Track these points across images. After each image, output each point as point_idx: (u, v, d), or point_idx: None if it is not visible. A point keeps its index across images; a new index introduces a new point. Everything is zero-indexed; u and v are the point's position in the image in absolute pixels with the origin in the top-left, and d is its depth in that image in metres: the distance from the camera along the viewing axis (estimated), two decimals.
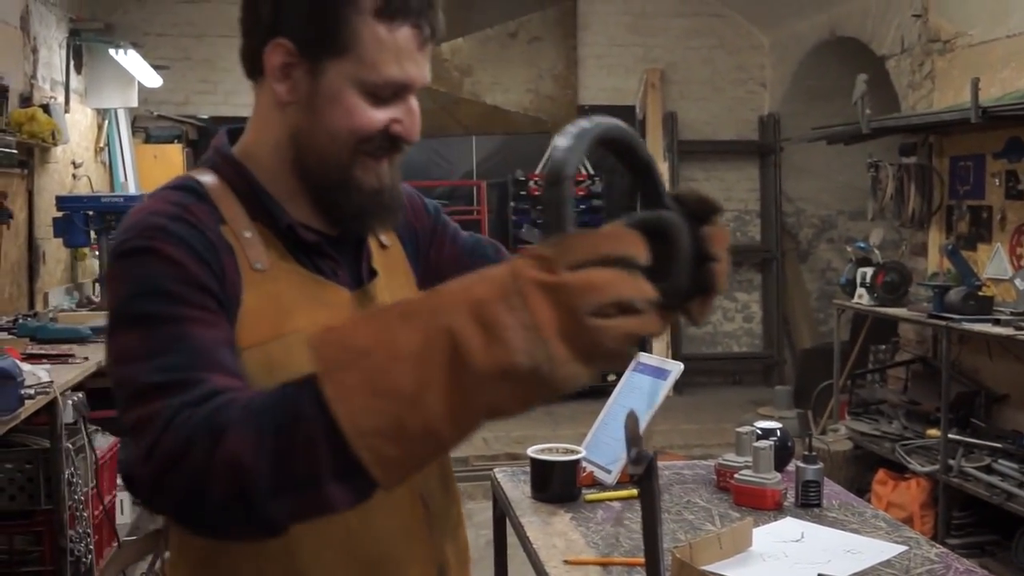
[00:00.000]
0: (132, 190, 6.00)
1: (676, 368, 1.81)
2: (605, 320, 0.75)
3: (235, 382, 0.92)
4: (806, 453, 1.77)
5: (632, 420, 1.21)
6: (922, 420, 4.81)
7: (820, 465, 1.75)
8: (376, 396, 0.77)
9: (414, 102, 1.08)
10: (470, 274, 0.81)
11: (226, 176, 1.09)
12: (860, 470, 4.96)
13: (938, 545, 1.55)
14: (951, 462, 4.24)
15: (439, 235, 1.31)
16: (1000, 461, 4.08)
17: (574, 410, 7.09)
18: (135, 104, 6.12)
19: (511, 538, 1.98)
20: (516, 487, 1.90)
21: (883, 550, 1.52)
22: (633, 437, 1.16)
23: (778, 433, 1.95)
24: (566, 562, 1.50)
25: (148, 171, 6.23)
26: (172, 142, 6.66)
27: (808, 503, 1.75)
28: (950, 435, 4.28)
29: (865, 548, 1.54)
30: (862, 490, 4.84)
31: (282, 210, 1.09)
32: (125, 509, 4.11)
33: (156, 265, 0.97)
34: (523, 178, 7.39)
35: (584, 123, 0.83)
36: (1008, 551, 4.03)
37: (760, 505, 1.74)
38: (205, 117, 6.99)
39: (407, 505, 1.08)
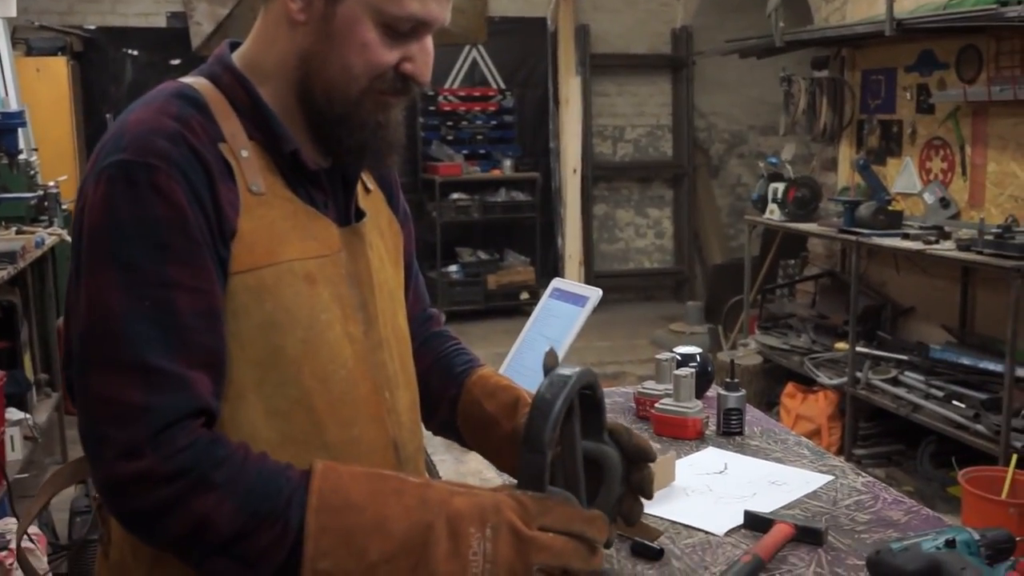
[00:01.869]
0: (13, 106, 5.58)
1: (594, 294, 1.71)
2: None
3: (210, 386, 0.94)
4: (727, 380, 1.70)
5: (551, 357, 1.11)
6: (830, 333, 4.88)
7: (742, 392, 1.69)
8: (345, 549, 0.89)
9: (429, 43, 1.05)
10: (460, 484, 0.96)
11: (226, 89, 1.04)
12: (770, 384, 5.03)
13: (863, 473, 1.51)
14: (858, 375, 4.32)
15: (401, 213, 1.28)
16: (906, 373, 4.16)
17: (486, 329, 7.05)
18: (13, 13, 5.65)
19: None
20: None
21: (808, 480, 1.47)
22: (551, 368, 1.08)
23: (698, 359, 1.89)
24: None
25: (30, 86, 5.80)
26: (56, 54, 6.20)
27: (730, 431, 1.69)
28: (857, 348, 4.35)
29: (790, 479, 1.48)
30: (771, 403, 4.92)
31: (288, 133, 1.04)
32: (16, 445, 3.89)
33: (153, 205, 0.93)
34: (432, 93, 7.16)
35: (563, 377, 0.99)
36: (913, 460, 4.15)
37: (681, 435, 1.67)
38: (92, 27, 6.55)
39: (379, 450, 1.05)
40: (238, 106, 1.04)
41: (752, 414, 1.79)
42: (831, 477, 1.49)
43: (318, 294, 1.03)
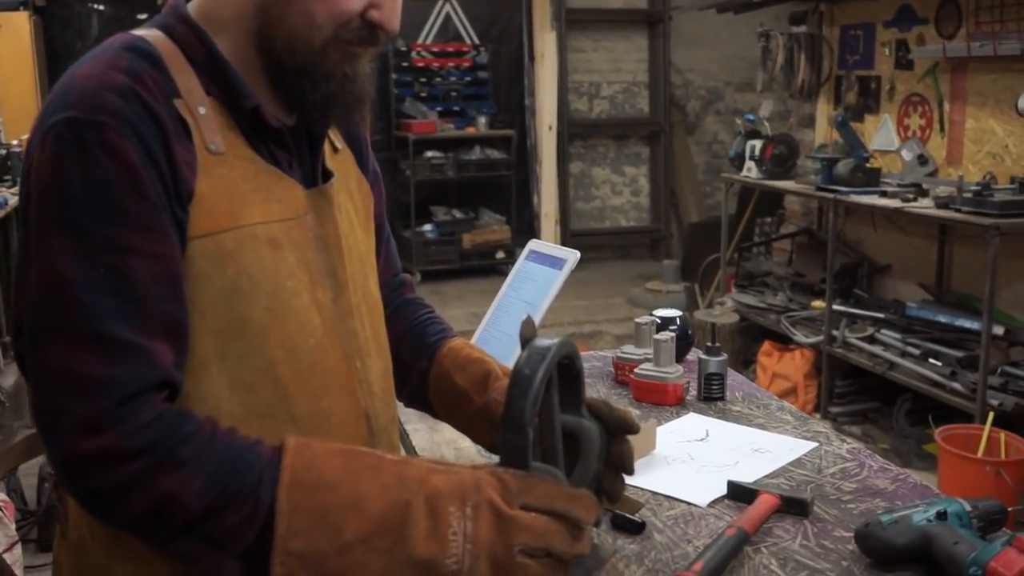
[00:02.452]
0: None
1: (572, 257, 1.66)
2: (530, 560, 0.85)
3: (172, 357, 0.88)
4: (709, 344, 1.66)
5: (528, 327, 1.07)
6: (806, 292, 4.87)
7: (724, 357, 1.65)
8: (318, 528, 0.84)
9: None
10: (438, 461, 0.92)
11: (181, 42, 0.97)
12: (746, 342, 5.02)
13: (848, 439, 1.47)
14: (835, 333, 4.31)
15: (370, 173, 1.23)
16: (883, 331, 4.15)
17: (462, 289, 7.00)
18: None
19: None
20: None
21: (792, 447, 1.44)
22: (529, 339, 1.03)
23: (678, 322, 1.84)
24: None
25: None
26: (17, 9, 6.00)
27: (711, 397, 1.65)
28: (834, 306, 4.34)
29: (773, 445, 1.45)
30: (748, 362, 4.91)
31: (248, 88, 0.96)
32: None
33: (105, 165, 0.87)
34: (405, 48, 7.02)
35: (541, 351, 0.94)
36: (888, 418, 4.16)
37: (662, 401, 1.63)
38: None
39: (351, 422, 1.00)
40: (194, 59, 0.97)
41: (733, 378, 1.75)
42: (815, 444, 1.45)
43: (283, 259, 0.97)
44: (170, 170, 0.90)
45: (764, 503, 1.21)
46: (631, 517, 1.19)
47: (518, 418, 0.96)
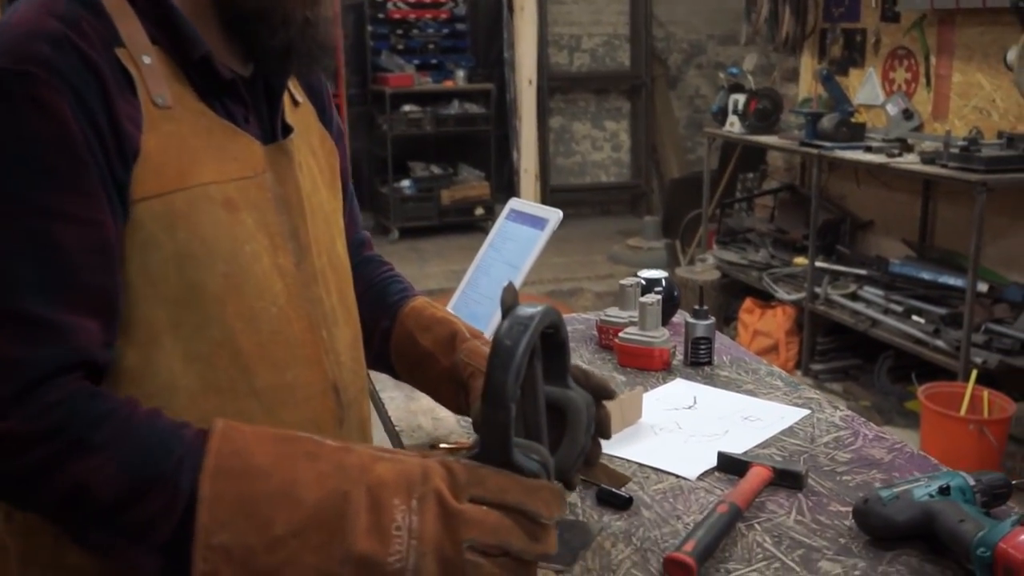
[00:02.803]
0: None
1: (554, 217, 1.59)
2: (482, 558, 0.76)
3: (97, 334, 0.81)
4: (696, 307, 1.60)
5: (510, 294, 1.00)
6: (789, 248, 4.82)
7: (711, 320, 1.59)
8: (245, 520, 0.75)
9: None
10: (385, 449, 0.82)
11: None
12: (727, 299, 4.98)
13: (840, 406, 1.42)
14: (817, 290, 4.27)
15: (334, 129, 1.15)
16: (865, 288, 4.12)
17: (440, 246, 6.90)
18: None
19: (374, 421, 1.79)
20: None
21: (783, 415, 1.38)
22: (510, 307, 0.97)
23: (663, 283, 1.78)
24: (433, 447, 1.30)
25: None
26: None
27: (699, 361, 1.59)
28: (816, 263, 4.29)
29: (763, 413, 1.39)
30: (729, 319, 4.87)
31: (198, 34, 0.87)
32: None
33: (32, 121, 0.79)
34: None
35: (524, 320, 0.88)
36: (870, 375, 4.14)
37: (647, 366, 1.57)
38: None
39: (318, 395, 0.93)
40: (137, 4, 0.88)
41: (721, 342, 1.69)
42: (807, 411, 1.39)
43: (241, 222, 0.90)
44: (110, 126, 0.82)
45: (756, 476, 1.16)
46: (617, 492, 1.14)
47: (499, 393, 0.91)
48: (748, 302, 4.70)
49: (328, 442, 0.81)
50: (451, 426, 1.37)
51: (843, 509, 1.11)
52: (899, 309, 3.88)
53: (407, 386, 1.51)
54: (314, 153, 1.04)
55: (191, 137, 0.88)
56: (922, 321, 3.74)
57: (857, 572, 0.99)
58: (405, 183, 6.97)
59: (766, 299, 4.64)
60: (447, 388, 1.15)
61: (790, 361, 4.43)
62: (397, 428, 1.37)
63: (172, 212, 0.85)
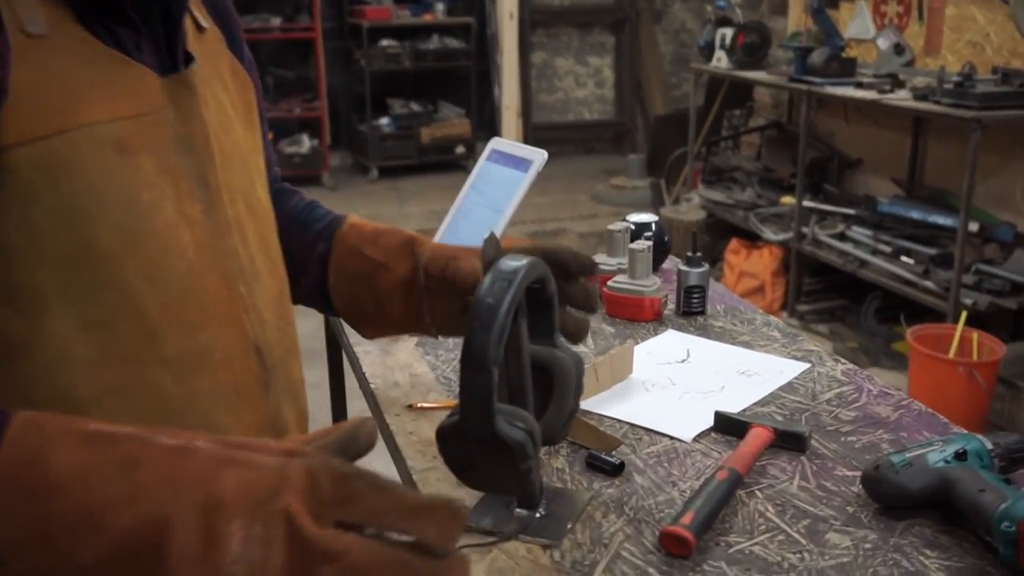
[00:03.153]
0: None
1: (539, 158, 1.48)
2: None
3: None
4: (690, 254, 1.51)
5: (492, 245, 0.91)
6: (776, 187, 4.74)
7: (705, 268, 1.50)
8: (41, 548, 0.57)
9: None
10: (235, 450, 0.61)
11: None
12: (713, 239, 4.91)
13: (842, 360, 1.34)
14: (804, 230, 4.19)
15: (246, 60, 1.01)
16: (853, 228, 4.04)
17: (421, 185, 6.77)
18: None
19: (349, 379, 1.70)
20: None
21: (782, 369, 1.30)
22: (492, 260, 0.89)
23: (653, 227, 1.69)
24: (410, 407, 1.21)
25: None
26: None
27: (691, 311, 1.51)
28: (804, 202, 4.21)
29: (761, 367, 1.31)
30: (715, 260, 4.80)
31: None
32: None
33: None
34: None
35: (508, 275, 0.83)
36: (856, 316, 4.08)
37: (637, 316, 1.49)
38: None
39: (237, 358, 0.82)
40: None
41: (714, 290, 1.61)
42: (807, 365, 1.32)
43: (137, 167, 0.78)
44: None
45: (756, 438, 1.08)
46: (607, 457, 1.06)
47: (481, 355, 0.82)
48: (734, 242, 4.63)
49: (165, 441, 0.62)
50: (429, 382, 1.29)
51: (849, 474, 1.04)
52: (887, 249, 3.82)
53: (383, 340, 1.42)
54: (225, 86, 0.92)
55: (72, 70, 0.75)
56: (911, 262, 3.68)
57: (868, 545, 0.91)
58: (384, 121, 6.81)
59: (752, 239, 4.56)
60: (402, 302, 1.07)
61: (776, 302, 4.37)
62: (372, 386, 1.28)
63: (53, 159, 0.73)
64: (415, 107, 6.96)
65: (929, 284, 3.53)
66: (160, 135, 0.80)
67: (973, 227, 3.51)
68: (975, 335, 3.22)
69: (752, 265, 4.50)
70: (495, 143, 1.61)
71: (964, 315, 3.25)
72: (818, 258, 4.12)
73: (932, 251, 3.64)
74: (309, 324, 1.60)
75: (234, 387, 0.83)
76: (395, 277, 1.07)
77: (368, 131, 6.70)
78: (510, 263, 0.87)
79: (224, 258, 0.84)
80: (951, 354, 3.18)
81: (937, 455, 0.96)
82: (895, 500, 0.96)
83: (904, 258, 3.72)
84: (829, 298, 4.31)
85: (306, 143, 6.65)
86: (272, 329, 0.88)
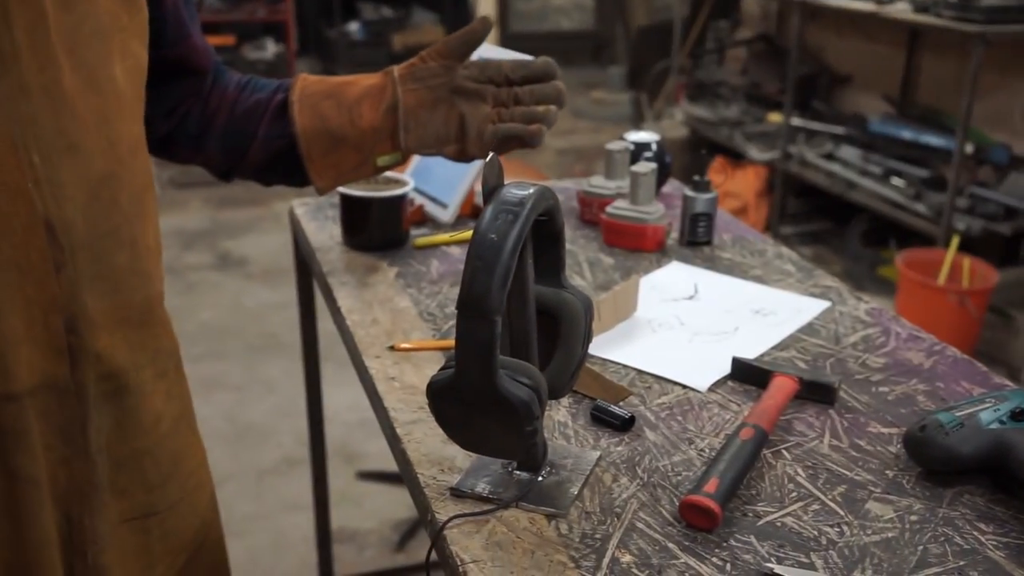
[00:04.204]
0: None
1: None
2: None
3: None
4: (696, 178, 1.37)
5: (493, 169, 0.78)
6: (762, 104, 4.58)
7: (714, 194, 1.37)
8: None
9: None
10: None
11: None
12: (696, 158, 4.76)
13: (864, 298, 1.23)
14: (792, 149, 4.06)
15: None
16: (842, 148, 3.91)
17: None
18: None
19: (321, 310, 1.57)
20: (322, 228, 1.44)
21: (800, 308, 1.19)
22: (494, 188, 0.78)
23: (654, 147, 1.55)
24: (392, 349, 1.08)
25: None
26: None
27: (697, 241, 1.38)
28: (792, 120, 4.07)
29: (777, 305, 1.19)
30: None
31: None
32: None
33: None
34: None
35: (513, 206, 0.73)
36: (841, 239, 3.99)
37: (638, 246, 1.36)
38: None
39: (21, 230, 0.73)
40: None
41: (721, 217, 1.48)
42: (827, 303, 1.20)
43: None
44: None
45: (780, 389, 0.97)
46: (616, 410, 0.94)
47: (482, 301, 0.70)
48: (718, 161, 4.49)
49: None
50: (412, 319, 1.16)
51: (885, 431, 0.93)
52: (877, 171, 3.70)
53: (360, 269, 1.29)
54: None
55: None
56: (902, 184, 3.56)
57: (914, 517, 0.81)
58: (353, 26, 6.51)
59: (736, 158, 4.43)
60: (371, 106, 1.09)
61: (759, 224, 4.26)
62: (348, 323, 1.15)
63: None
64: (386, 12, 6.67)
65: (920, 207, 3.42)
66: None
67: (968, 148, 3.40)
68: (966, 261, 3.14)
69: (736, 185, 4.37)
70: (483, 49, 1.45)
71: (956, 240, 3.15)
72: (804, 179, 4.00)
73: (924, 173, 3.52)
74: (276, 241, 1.48)
75: (13, 260, 0.74)
76: (364, 83, 1.11)
77: (337, 37, 6.42)
78: (515, 192, 0.74)
79: (15, 125, 0.74)
80: (941, 280, 3.10)
81: (990, 414, 0.85)
82: (943, 464, 0.85)
83: (895, 180, 3.60)
84: (814, 220, 4.20)
85: (271, 48, 6.36)
86: (78, 208, 0.78)
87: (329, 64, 6.62)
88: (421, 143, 1.11)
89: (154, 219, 0.89)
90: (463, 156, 1.11)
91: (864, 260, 3.83)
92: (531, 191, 0.74)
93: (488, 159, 0.77)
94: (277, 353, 3.18)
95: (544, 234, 0.82)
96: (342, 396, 2.70)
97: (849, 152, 3.87)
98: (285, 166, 1.12)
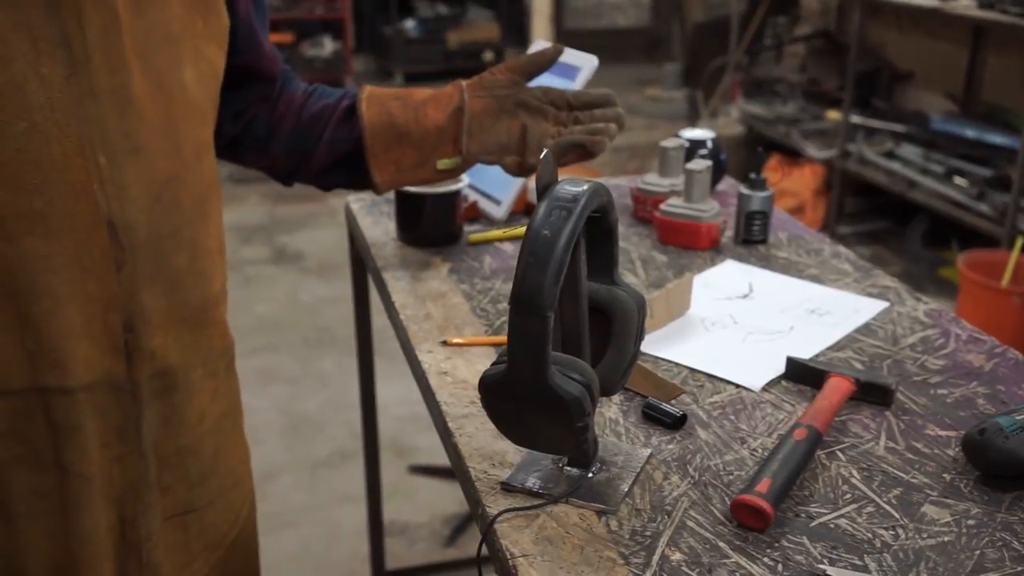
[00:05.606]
0: None
1: (588, 64, 1.33)
2: None
3: None
4: (752, 176, 1.36)
5: (547, 167, 0.78)
6: (820, 101, 4.52)
7: (770, 191, 1.36)
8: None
9: None
10: None
11: None
12: (752, 156, 4.71)
13: (924, 299, 1.21)
14: (850, 147, 4.00)
15: None
16: (903, 146, 3.84)
17: None
18: None
19: (374, 305, 1.59)
20: (377, 224, 1.46)
21: (857, 308, 1.17)
22: (548, 185, 0.78)
23: (709, 144, 1.54)
24: (444, 344, 1.09)
25: None
26: None
27: (752, 239, 1.37)
28: (851, 118, 4.00)
29: (833, 305, 1.18)
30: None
31: None
32: None
33: None
34: None
35: (567, 203, 0.73)
36: (901, 239, 3.92)
37: (692, 244, 1.35)
38: None
39: (84, 228, 0.77)
40: None
41: (777, 216, 1.46)
42: (885, 304, 1.18)
43: None
44: None
45: (836, 389, 0.96)
46: (667, 408, 0.94)
47: (535, 298, 0.70)
48: (774, 159, 4.43)
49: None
50: (464, 314, 1.17)
51: (943, 434, 0.92)
52: (939, 170, 3.63)
53: (413, 264, 1.30)
54: None
55: None
56: (964, 183, 3.49)
57: (971, 521, 0.80)
58: (409, 24, 6.56)
59: (794, 156, 4.37)
60: (437, 107, 1.12)
61: (816, 223, 4.21)
62: (401, 318, 1.16)
63: None
64: (442, 9, 6.70)
65: (983, 207, 3.35)
66: None
67: None
68: None
69: (792, 183, 4.32)
70: (538, 47, 1.45)
71: (1020, 241, 3.08)
72: (863, 177, 3.93)
73: (988, 172, 3.44)
74: (331, 236, 1.50)
75: (75, 257, 0.77)
76: (431, 90, 1.14)
77: (393, 35, 6.47)
78: (569, 188, 0.74)
79: (83, 126, 0.76)
80: (1004, 282, 3.03)
81: None
82: (1002, 468, 0.84)
83: (957, 179, 3.53)
84: (872, 220, 4.13)
85: (328, 46, 6.43)
86: (139, 209, 0.80)
87: (385, 61, 6.68)
88: (483, 149, 1.12)
89: (217, 221, 0.91)
90: (522, 168, 1.13)
91: (924, 261, 3.76)
92: (585, 187, 0.74)
93: (542, 156, 0.77)
94: (331, 347, 3.21)
95: (597, 231, 0.83)
96: (393, 390, 2.72)
97: (910, 150, 3.80)
98: (347, 167, 1.14)
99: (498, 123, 1.11)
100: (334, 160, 1.13)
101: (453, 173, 1.16)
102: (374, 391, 1.75)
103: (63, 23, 0.74)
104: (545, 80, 1.23)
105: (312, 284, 3.75)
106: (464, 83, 1.13)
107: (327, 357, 3.16)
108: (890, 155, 3.88)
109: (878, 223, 4.11)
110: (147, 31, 0.79)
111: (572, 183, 0.75)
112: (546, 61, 1.14)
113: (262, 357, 3.15)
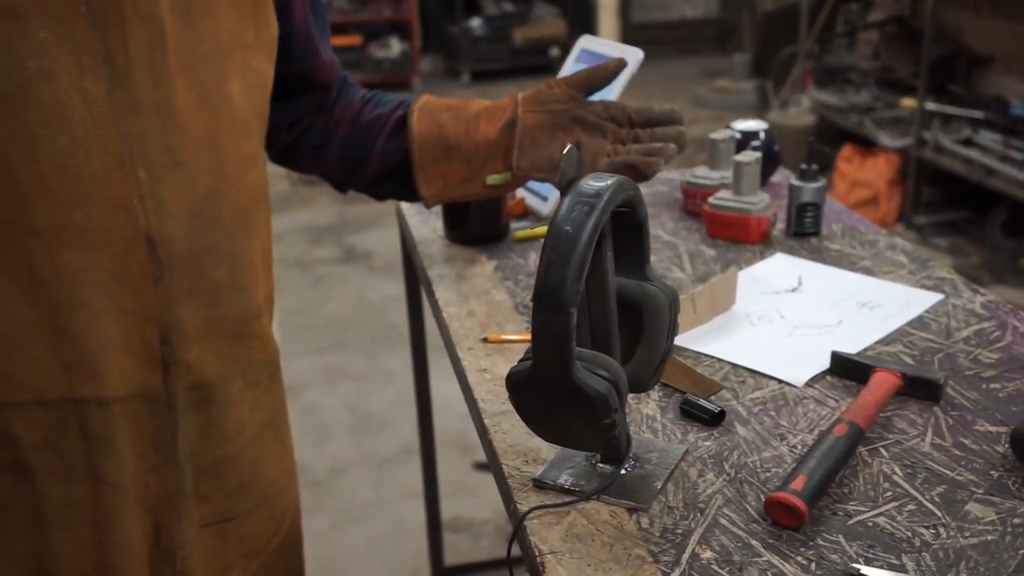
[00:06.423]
0: None
1: (634, 57, 1.32)
2: None
3: None
4: (803, 167, 1.33)
5: (571, 161, 0.78)
6: (895, 89, 4.40)
7: (822, 183, 1.33)
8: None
9: None
10: None
11: None
12: (816, 147, 4.61)
13: (982, 290, 1.16)
14: (926, 135, 3.88)
15: None
16: (981, 133, 3.72)
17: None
18: None
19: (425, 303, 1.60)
20: (425, 222, 1.47)
21: (910, 300, 1.14)
22: (572, 180, 0.77)
23: (761, 136, 1.51)
24: (485, 340, 1.10)
25: None
26: None
27: (804, 232, 1.34)
28: (926, 105, 3.89)
29: (885, 298, 1.15)
30: (825, 167, 4.51)
31: None
32: None
33: None
34: None
35: (589, 198, 0.72)
36: (980, 229, 3.79)
37: (742, 237, 1.33)
38: None
39: (123, 242, 0.78)
40: None
41: (831, 207, 1.43)
42: (940, 296, 1.15)
43: (27, 35, 0.72)
44: None
45: (881, 384, 0.93)
46: (705, 404, 0.93)
47: (556, 294, 0.70)
48: (847, 149, 4.33)
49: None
50: (507, 311, 1.17)
51: (993, 430, 0.89)
52: (1020, 157, 3.50)
53: (460, 261, 1.31)
54: None
55: None
56: None
57: (1016, 520, 0.77)
58: (475, 22, 6.59)
59: (867, 146, 4.26)
60: (489, 121, 1.10)
61: (891, 214, 4.10)
62: (444, 314, 1.17)
63: None
64: (508, 7, 6.71)
65: None
66: (69, 7, 0.73)
67: None
68: None
69: (866, 173, 4.21)
70: (585, 41, 1.45)
71: None
72: (940, 166, 3.81)
73: None
74: (398, 236, 1.52)
75: (112, 271, 0.77)
76: (484, 103, 1.12)
77: (459, 33, 6.50)
78: (592, 184, 0.74)
79: (123, 140, 0.76)
80: None
81: None
82: None
83: None
84: (950, 210, 4.01)
85: (396, 47, 6.50)
86: (179, 224, 0.80)
87: (452, 61, 6.72)
88: (534, 165, 1.09)
89: (262, 234, 0.90)
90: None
91: (1005, 251, 3.63)
92: (609, 182, 0.74)
93: (566, 151, 0.77)
94: (397, 344, 3.25)
95: (625, 225, 0.82)
96: (457, 387, 2.74)
97: (989, 137, 3.67)
98: (398, 179, 1.13)
99: (552, 139, 1.08)
100: (385, 171, 1.13)
101: (503, 189, 1.14)
102: (429, 388, 1.76)
103: (106, 38, 0.74)
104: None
105: (380, 283, 3.80)
106: (520, 96, 1.11)
107: (394, 354, 3.20)
108: (968, 142, 3.76)
109: (956, 213, 3.98)
110: (195, 44, 0.79)
111: (596, 178, 0.75)
112: (606, 75, 1.10)
113: (332, 355, 3.20)
